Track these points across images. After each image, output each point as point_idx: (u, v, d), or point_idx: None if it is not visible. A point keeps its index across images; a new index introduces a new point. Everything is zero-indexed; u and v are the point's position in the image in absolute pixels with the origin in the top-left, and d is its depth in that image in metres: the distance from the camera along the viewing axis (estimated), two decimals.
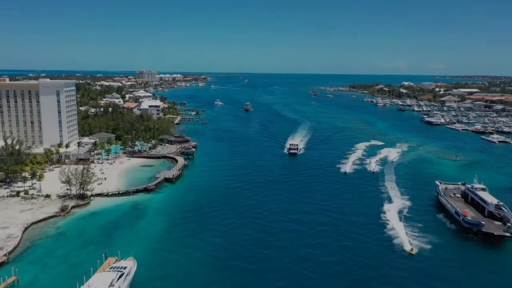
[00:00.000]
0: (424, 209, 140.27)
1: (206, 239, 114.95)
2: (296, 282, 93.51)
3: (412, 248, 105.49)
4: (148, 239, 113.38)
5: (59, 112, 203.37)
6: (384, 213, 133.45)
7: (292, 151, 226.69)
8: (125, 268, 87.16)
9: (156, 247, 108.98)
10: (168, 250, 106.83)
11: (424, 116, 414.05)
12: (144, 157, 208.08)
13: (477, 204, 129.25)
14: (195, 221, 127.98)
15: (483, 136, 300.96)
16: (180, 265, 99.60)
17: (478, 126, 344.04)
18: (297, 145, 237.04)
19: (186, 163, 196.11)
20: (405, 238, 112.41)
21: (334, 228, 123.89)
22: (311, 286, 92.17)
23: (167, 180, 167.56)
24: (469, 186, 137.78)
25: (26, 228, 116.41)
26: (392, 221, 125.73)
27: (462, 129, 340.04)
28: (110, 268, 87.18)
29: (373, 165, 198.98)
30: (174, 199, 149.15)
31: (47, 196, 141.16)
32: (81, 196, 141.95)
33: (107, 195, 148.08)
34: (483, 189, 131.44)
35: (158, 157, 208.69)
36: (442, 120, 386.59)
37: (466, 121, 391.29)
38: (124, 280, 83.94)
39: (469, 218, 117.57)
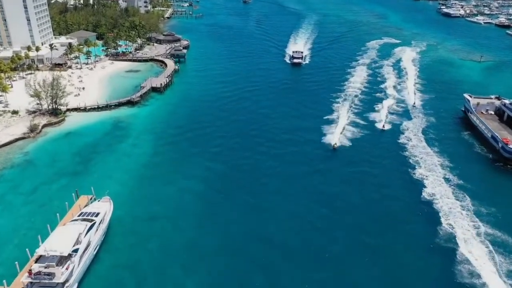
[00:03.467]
0: (449, 129, 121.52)
1: (200, 165, 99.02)
2: (304, 219, 79.81)
3: None
4: (130, 168, 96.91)
5: (26, 7, 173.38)
6: (403, 133, 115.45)
7: (296, 60, 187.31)
8: (97, 214, 71.67)
9: (140, 178, 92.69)
10: (154, 182, 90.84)
11: (442, 7, 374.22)
12: (129, 60, 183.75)
13: None
14: (187, 141, 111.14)
15: (508, 31, 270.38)
16: (168, 201, 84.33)
17: (503, 19, 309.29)
18: (301, 52, 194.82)
19: (177, 67, 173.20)
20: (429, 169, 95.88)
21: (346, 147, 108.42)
22: (321, 218, 79.93)
23: (154, 89, 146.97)
24: (506, 101, 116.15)
25: None
26: (412, 143, 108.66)
27: (485, 23, 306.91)
28: (80, 215, 71.86)
29: (386, 69, 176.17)
30: (162, 114, 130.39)
31: (15, 112, 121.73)
32: (54, 112, 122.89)
33: (85, 109, 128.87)
34: None
35: (146, 60, 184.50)
36: (462, 12, 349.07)
37: (488, 12, 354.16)
38: (96, 230, 69.13)
39: None
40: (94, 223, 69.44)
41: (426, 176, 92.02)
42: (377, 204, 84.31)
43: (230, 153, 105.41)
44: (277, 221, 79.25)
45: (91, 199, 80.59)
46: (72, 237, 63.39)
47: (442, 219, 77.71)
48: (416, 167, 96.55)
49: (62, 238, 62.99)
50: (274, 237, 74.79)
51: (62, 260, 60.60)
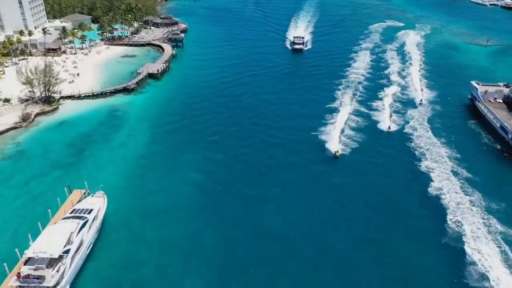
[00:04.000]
0: (455, 117, 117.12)
1: (199, 154, 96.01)
2: (307, 212, 77.12)
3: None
4: (126, 159, 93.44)
5: None
6: (408, 122, 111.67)
7: (297, 46, 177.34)
8: (90, 211, 68.59)
9: (136, 169, 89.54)
10: (151, 174, 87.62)
11: None
12: (125, 44, 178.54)
13: None
14: (185, 130, 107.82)
15: None
16: (165, 194, 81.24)
17: (508, 0, 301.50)
18: (303, 38, 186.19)
19: (174, 52, 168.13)
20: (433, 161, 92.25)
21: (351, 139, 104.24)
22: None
23: (151, 75, 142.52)
24: None
25: None
26: (418, 133, 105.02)
27: (490, 4, 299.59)
28: (72, 212, 68.73)
29: (390, 54, 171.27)
30: (159, 101, 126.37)
31: (6, 100, 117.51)
32: (48, 100, 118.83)
33: (79, 97, 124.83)
34: None
35: (142, 45, 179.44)
36: None
37: None
38: (89, 228, 66.19)
39: None
40: (87, 221, 66.40)
41: (433, 169, 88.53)
42: (381, 197, 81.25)
43: (230, 141, 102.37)
44: (278, 214, 76.61)
45: (84, 194, 77.47)
46: (63, 237, 60.33)
47: (450, 215, 74.46)
48: (422, 159, 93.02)
49: (52, 239, 59.82)
50: (276, 231, 72.20)
51: (52, 262, 57.71)
